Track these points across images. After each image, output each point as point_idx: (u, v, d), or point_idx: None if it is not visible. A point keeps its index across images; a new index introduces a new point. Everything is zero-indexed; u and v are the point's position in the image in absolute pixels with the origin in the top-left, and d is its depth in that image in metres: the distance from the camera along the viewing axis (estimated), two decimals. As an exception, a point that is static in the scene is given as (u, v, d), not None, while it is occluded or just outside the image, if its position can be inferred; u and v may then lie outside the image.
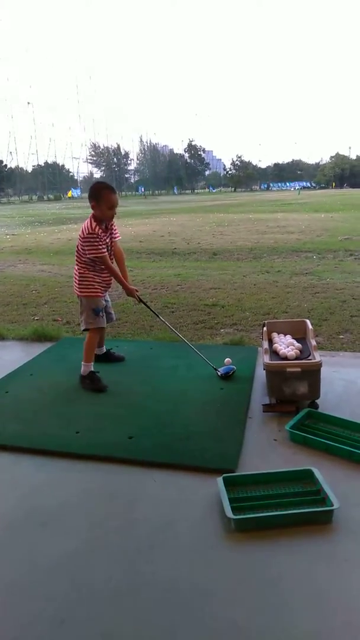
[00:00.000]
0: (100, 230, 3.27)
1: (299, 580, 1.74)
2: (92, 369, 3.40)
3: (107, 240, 3.35)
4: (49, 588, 1.76)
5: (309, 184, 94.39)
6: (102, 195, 3.25)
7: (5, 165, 67.05)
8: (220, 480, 2.18)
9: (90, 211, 3.33)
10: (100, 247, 3.26)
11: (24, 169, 72.87)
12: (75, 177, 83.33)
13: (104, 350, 3.86)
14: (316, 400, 2.92)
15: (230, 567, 1.82)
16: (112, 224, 3.42)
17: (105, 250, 3.30)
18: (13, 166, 68.80)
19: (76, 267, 3.42)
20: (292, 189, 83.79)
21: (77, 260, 3.40)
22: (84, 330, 3.49)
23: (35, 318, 5.53)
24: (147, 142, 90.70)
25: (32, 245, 13.07)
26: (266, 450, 2.55)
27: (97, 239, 3.24)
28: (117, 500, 2.22)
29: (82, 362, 3.40)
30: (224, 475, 2.22)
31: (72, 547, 1.94)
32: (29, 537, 2.01)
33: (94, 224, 3.25)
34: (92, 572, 1.82)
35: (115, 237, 3.44)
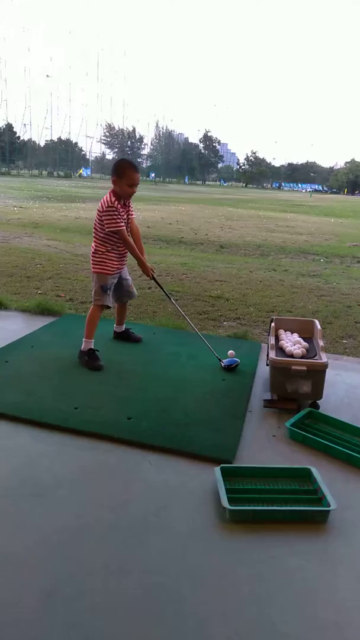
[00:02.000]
0: (119, 205, 3.26)
1: (290, 576, 1.74)
2: (92, 346, 3.38)
3: (125, 216, 3.34)
4: (38, 561, 1.74)
5: (321, 188, 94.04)
6: (124, 172, 3.24)
7: (19, 137, 66.33)
8: (217, 469, 2.17)
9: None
10: (119, 220, 3.26)
11: (37, 142, 72.14)
12: (88, 157, 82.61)
13: (123, 328, 3.89)
14: (318, 401, 2.90)
15: (222, 557, 1.81)
16: (129, 202, 3.40)
17: (123, 224, 3.30)
18: (26, 139, 68.11)
19: (93, 243, 3.42)
20: (304, 191, 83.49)
21: (94, 236, 3.40)
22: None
23: (39, 292, 5.48)
24: (162, 128, 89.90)
25: (39, 219, 12.95)
26: (264, 445, 2.54)
27: (116, 212, 3.25)
28: (113, 480, 2.20)
29: (84, 338, 3.39)
30: (222, 465, 2.21)
31: (65, 522, 1.93)
32: (21, 507, 2.00)
33: (113, 198, 3.25)
34: (83, 548, 1.81)
35: (131, 215, 3.44)
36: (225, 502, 1.96)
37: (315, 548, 1.88)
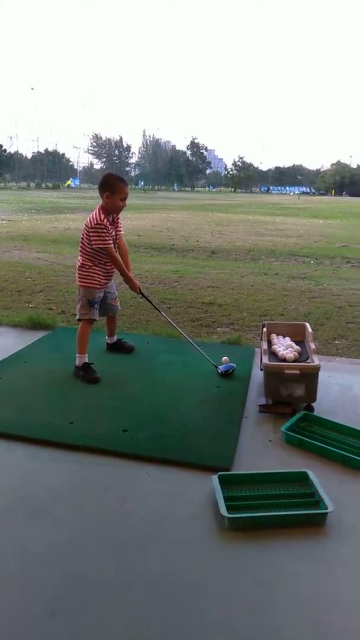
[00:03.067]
0: (108, 222, 3.27)
1: (291, 582, 1.74)
2: (86, 360, 3.38)
3: (113, 233, 3.35)
4: (38, 579, 1.73)
5: (308, 190, 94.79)
6: (117, 187, 3.26)
7: (5, 150, 66.32)
8: (215, 478, 2.17)
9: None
10: (107, 238, 3.26)
11: (24, 155, 72.23)
12: (75, 167, 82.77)
13: (115, 339, 3.89)
14: (312, 404, 2.92)
15: (223, 566, 1.80)
16: (117, 218, 3.42)
17: (111, 241, 3.31)
18: (12, 151, 68.16)
19: (80, 258, 3.41)
20: (292, 194, 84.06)
21: (81, 251, 3.40)
22: (78, 320, 3.49)
23: (30, 306, 5.47)
24: (150, 137, 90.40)
25: (28, 232, 12.95)
26: (261, 451, 2.55)
27: (105, 230, 3.25)
28: (110, 493, 2.20)
29: (77, 354, 3.39)
30: (219, 473, 2.21)
31: (63, 538, 1.92)
32: (19, 526, 1.98)
33: (102, 215, 3.25)
34: (83, 564, 1.80)
35: (119, 231, 3.45)
36: (223, 511, 1.96)
37: (315, 551, 1.88)
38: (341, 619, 1.61)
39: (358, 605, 1.66)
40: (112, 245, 3.32)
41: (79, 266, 3.40)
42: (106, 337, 3.89)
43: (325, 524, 1.99)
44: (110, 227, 3.30)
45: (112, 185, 3.27)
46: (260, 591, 1.70)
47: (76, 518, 2.03)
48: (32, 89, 66.96)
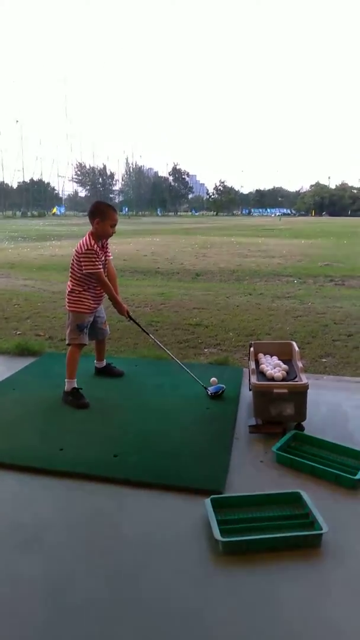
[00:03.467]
0: (98, 247, 3.32)
1: (288, 605, 1.71)
2: (75, 385, 3.36)
3: (103, 258, 3.40)
4: (29, 610, 1.69)
5: (289, 211, 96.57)
6: (108, 214, 3.35)
7: (-10, 181, 66.82)
8: (208, 501, 2.15)
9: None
10: (97, 263, 3.31)
11: (9, 184, 72.67)
12: (60, 195, 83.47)
13: (104, 363, 3.88)
14: (302, 423, 2.92)
15: (218, 591, 1.78)
16: (106, 243, 3.47)
17: (101, 266, 3.36)
18: (-2, 181, 68.68)
19: (69, 283, 3.44)
20: (273, 215, 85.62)
21: (71, 276, 3.43)
22: (67, 344, 3.48)
23: (18, 332, 5.44)
24: (132, 164, 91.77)
25: (15, 259, 12.94)
26: (253, 472, 2.53)
27: (95, 255, 3.30)
28: (102, 520, 2.16)
29: (66, 379, 3.37)
30: (212, 496, 2.19)
31: (54, 567, 1.88)
32: (8, 556, 1.94)
33: (92, 241, 3.31)
34: (75, 594, 1.76)
35: (108, 256, 3.50)
36: (217, 535, 1.94)
37: (310, 573, 1.86)
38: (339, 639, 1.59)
39: (356, 628, 1.64)
40: (102, 270, 3.37)
41: (69, 291, 3.43)
42: (95, 362, 3.88)
43: (320, 545, 1.97)
44: (100, 252, 3.35)
45: (102, 212, 3.35)
46: (257, 616, 1.67)
47: (68, 546, 1.99)
48: (17, 121, 67.78)
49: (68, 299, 3.44)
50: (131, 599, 1.73)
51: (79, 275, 3.36)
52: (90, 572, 1.86)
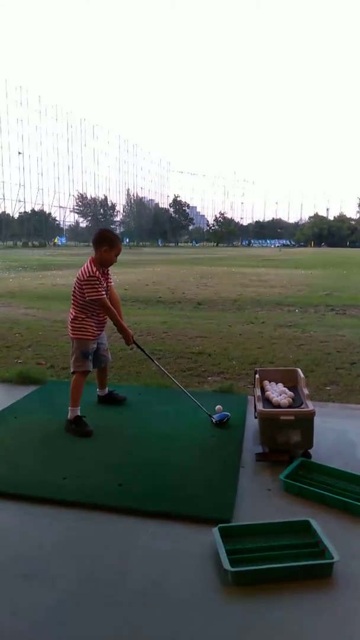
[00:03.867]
0: (99, 274, 3.35)
1: (301, 637, 1.66)
2: (79, 414, 3.33)
3: (105, 284, 3.41)
4: (33, 645, 1.63)
5: (288, 242, 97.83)
6: (115, 243, 3.41)
7: (-8, 212, 67.97)
8: (216, 530, 2.10)
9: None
10: (99, 289, 3.33)
11: (11, 215, 73.82)
12: (62, 226, 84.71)
13: (107, 391, 3.86)
14: (309, 450, 2.89)
15: (228, 623, 1.72)
16: (107, 270, 3.51)
17: (104, 292, 3.37)
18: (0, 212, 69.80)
19: (72, 310, 3.45)
20: (273, 246, 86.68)
21: (73, 304, 3.44)
22: (72, 372, 3.46)
23: (19, 361, 5.42)
24: (134, 196, 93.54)
25: (15, 289, 13.03)
26: (260, 500, 2.49)
27: (98, 282, 3.32)
28: (107, 551, 2.11)
29: (69, 407, 3.34)
30: (220, 525, 2.15)
31: (61, 599, 1.82)
32: (11, 588, 1.88)
33: (94, 268, 3.33)
34: (81, 627, 1.70)
35: (110, 283, 3.53)
36: (226, 564, 1.89)
37: (323, 604, 1.81)
38: None
39: (373, 661, 1.58)
40: (105, 296, 3.39)
41: (72, 319, 3.43)
42: (97, 390, 3.86)
43: (332, 575, 1.92)
44: (102, 279, 3.37)
45: (110, 241, 3.41)
46: (270, 650, 1.61)
47: (73, 578, 1.94)
48: (20, 153, 69.41)
49: (71, 326, 3.44)
50: (138, 633, 1.67)
51: (81, 302, 3.38)
52: (96, 604, 1.80)
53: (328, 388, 4.47)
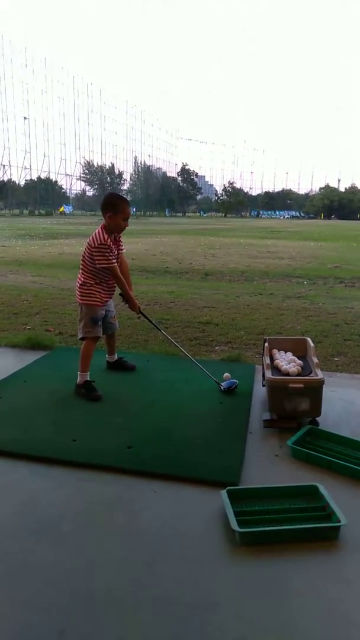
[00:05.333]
0: (110, 241, 3.29)
1: (307, 597, 1.70)
2: (88, 378, 3.35)
3: (116, 252, 3.36)
4: (46, 599, 1.68)
5: (298, 214, 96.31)
6: (119, 207, 3.30)
7: (-2, 179, 67.16)
8: (224, 492, 2.13)
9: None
10: (110, 257, 3.28)
11: (17, 182, 72.92)
12: (68, 194, 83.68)
13: (116, 357, 3.88)
14: (317, 418, 2.90)
15: (236, 582, 1.76)
16: (119, 237, 3.44)
17: (115, 261, 3.33)
18: (5, 179, 68.90)
19: (80, 276, 3.41)
20: (282, 217, 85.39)
21: (82, 269, 3.40)
22: (80, 338, 3.46)
23: (27, 327, 5.44)
24: (141, 164, 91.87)
25: (23, 257, 12.99)
26: (268, 465, 2.52)
27: (109, 250, 3.27)
28: (117, 511, 2.15)
29: (79, 372, 3.36)
30: (228, 487, 2.18)
31: (71, 556, 1.87)
32: (25, 545, 1.93)
33: (105, 235, 3.27)
34: (92, 583, 1.75)
35: (121, 249, 3.46)
36: (234, 525, 1.92)
37: (330, 565, 1.84)
38: (359, 636, 1.57)
39: (377, 619, 1.62)
40: (116, 264, 3.33)
41: (81, 284, 3.40)
42: (107, 356, 3.87)
43: (338, 538, 1.95)
44: (113, 246, 3.32)
45: (114, 205, 3.30)
46: (277, 607, 1.65)
47: (83, 536, 1.98)
48: (25, 118, 67.96)
49: (80, 292, 3.40)
50: (148, 589, 1.72)
51: (90, 268, 3.34)
52: (106, 561, 1.85)
53: (336, 359, 4.46)
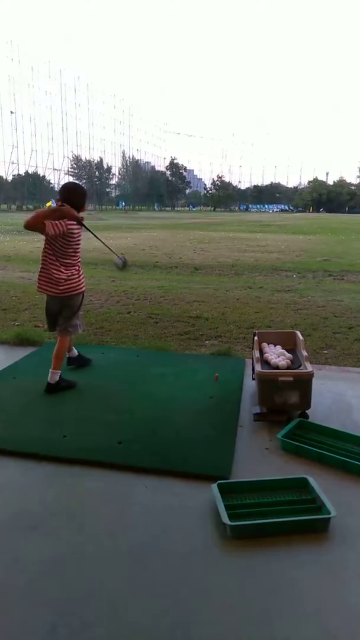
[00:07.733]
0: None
1: (297, 588, 1.71)
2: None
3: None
4: (38, 594, 1.67)
5: (287, 207, 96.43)
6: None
7: (-15, 174, 66.31)
8: (215, 486, 2.14)
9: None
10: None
11: (4, 177, 72.10)
12: (56, 189, 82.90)
13: (76, 353, 3.80)
14: (306, 411, 2.91)
15: (227, 575, 1.77)
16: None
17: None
18: (-7, 174, 68.15)
19: (62, 270, 3.34)
20: (271, 211, 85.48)
21: (58, 264, 3.36)
22: (64, 334, 3.38)
23: (16, 323, 5.40)
24: (129, 158, 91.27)
25: (11, 252, 12.88)
26: (258, 459, 2.53)
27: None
28: (108, 506, 2.14)
29: (51, 370, 3.28)
30: (219, 481, 2.18)
31: (62, 552, 1.86)
32: (16, 541, 1.92)
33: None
34: (84, 578, 1.74)
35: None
36: (225, 519, 1.93)
37: (319, 557, 1.86)
38: (349, 625, 1.58)
39: (366, 609, 1.63)
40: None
41: (68, 276, 3.32)
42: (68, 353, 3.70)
43: (328, 530, 1.97)
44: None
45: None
46: (268, 599, 1.67)
47: (74, 532, 1.98)
48: (12, 112, 67.01)
49: (70, 284, 3.32)
50: (139, 583, 1.72)
51: (61, 256, 3.33)
52: (96, 557, 1.85)
53: (325, 351, 4.49)
